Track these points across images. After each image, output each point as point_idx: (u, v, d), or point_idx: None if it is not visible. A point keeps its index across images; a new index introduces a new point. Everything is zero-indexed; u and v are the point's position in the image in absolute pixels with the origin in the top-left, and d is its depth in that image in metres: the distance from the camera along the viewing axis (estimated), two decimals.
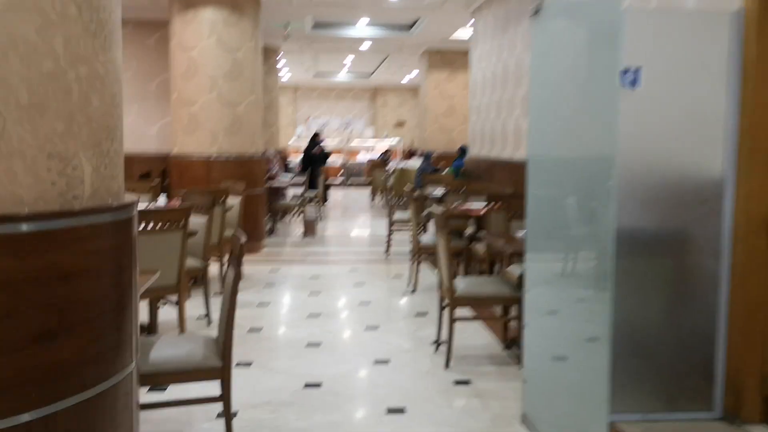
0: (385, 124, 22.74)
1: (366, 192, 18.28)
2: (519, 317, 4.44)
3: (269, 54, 13.52)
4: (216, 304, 5.69)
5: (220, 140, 8.49)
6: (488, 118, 8.78)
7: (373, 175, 15.71)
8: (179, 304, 4.69)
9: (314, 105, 22.92)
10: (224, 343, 3.09)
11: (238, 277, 3.10)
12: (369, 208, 14.94)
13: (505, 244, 4.67)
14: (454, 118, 14.07)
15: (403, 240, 9.29)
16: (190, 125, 8.50)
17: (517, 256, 4.72)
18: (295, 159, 21.16)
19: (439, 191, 8.76)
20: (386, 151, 19.78)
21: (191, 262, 5.27)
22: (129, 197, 2.14)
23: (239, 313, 5.94)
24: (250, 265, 7.81)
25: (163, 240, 4.52)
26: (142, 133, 10.60)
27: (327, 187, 14.57)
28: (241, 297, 6.44)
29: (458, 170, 10.54)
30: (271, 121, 13.64)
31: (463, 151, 12.50)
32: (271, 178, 11.47)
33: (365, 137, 22.90)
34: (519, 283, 4.93)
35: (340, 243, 9.96)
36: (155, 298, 4.80)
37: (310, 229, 10.66)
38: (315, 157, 14.13)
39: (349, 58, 17.40)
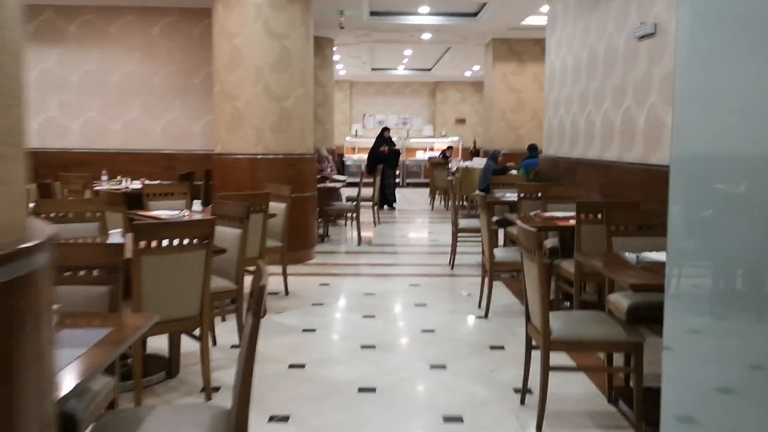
0: (444, 122, 21.68)
1: (425, 192, 17.27)
2: (637, 367, 3.38)
3: (323, 45, 12.66)
4: None
5: (266, 138, 7.64)
6: (569, 113, 7.66)
7: (433, 174, 14.70)
8: (201, 339, 3.80)
9: (371, 101, 22.03)
10: (237, 426, 2.16)
11: (256, 330, 2.17)
12: (429, 211, 13.93)
13: (611, 269, 3.60)
14: (522, 113, 12.93)
15: (468, 250, 8.27)
16: (234, 121, 7.68)
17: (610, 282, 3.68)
18: (352, 158, 20.33)
19: (510, 195, 7.70)
20: (447, 149, 18.72)
21: (221, 283, 4.39)
22: (37, 231, 1.22)
23: (280, 343, 5.04)
24: (297, 278, 6.93)
25: (182, 261, 3.64)
26: (186, 130, 9.87)
27: (387, 188, 13.52)
28: (284, 320, 5.57)
29: (530, 171, 9.44)
30: (324, 117, 12.79)
31: (533, 149, 11.37)
32: (324, 178, 10.61)
33: (424, 135, 21.89)
34: (629, 319, 3.86)
35: (398, 252, 9.00)
36: (175, 332, 3.95)
37: (365, 235, 9.74)
38: (383, 157, 13.20)
39: (408, 51, 16.42)
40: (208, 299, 3.79)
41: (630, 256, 3.76)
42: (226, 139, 7.78)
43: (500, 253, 5.67)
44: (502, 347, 4.78)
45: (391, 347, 4.81)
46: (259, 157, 7.64)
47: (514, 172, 11.85)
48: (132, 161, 9.84)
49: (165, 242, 3.56)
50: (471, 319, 5.56)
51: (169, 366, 4.16)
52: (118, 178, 8.92)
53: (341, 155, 20.16)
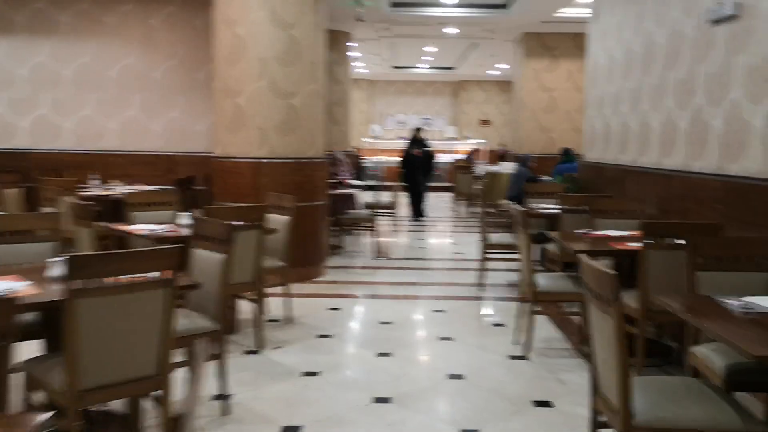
0: (468, 123, 20.71)
1: (446, 197, 16.33)
2: None
3: (339, 40, 11.79)
4: (241, 370, 3.77)
5: (272, 139, 6.76)
6: (616, 112, 6.69)
7: (456, 179, 13.74)
8: (161, 404, 2.90)
9: (391, 101, 21.13)
10: None
11: None
12: (452, 218, 12.98)
13: (712, 324, 2.64)
14: (555, 114, 11.94)
15: (498, 266, 7.31)
16: (235, 120, 6.81)
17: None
18: (372, 159, 19.40)
19: (548, 206, 6.75)
20: (473, 152, 17.74)
21: (199, 323, 3.50)
22: None
23: (273, 393, 3.96)
24: (303, 301, 6.05)
25: (136, 303, 2.75)
26: (189, 130, 9.03)
27: (417, 196, 12.25)
28: (282, 357, 4.65)
29: (567, 178, 8.46)
30: (340, 117, 11.92)
31: (567, 153, 10.41)
32: (339, 183, 9.74)
33: (446, 136, 20.93)
34: (728, 386, 2.91)
35: (419, 267, 8.07)
36: (125, 397, 3.08)
37: (383, 248, 8.85)
38: (415, 161, 11.76)
39: (431, 48, 15.49)
40: (169, 352, 2.89)
41: (732, 303, 2.80)
42: (227, 140, 6.91)
43: (544, 280, 4.71)
44: (549, 404, 3.84)
45: (410, 401, 3.88)
46: (264, 160, 6.76)
47: (545, 178, 10.90)
48: (129, 163, 9.04)
49: (111, 278, 2.67)
50: (507, 361, 4.61)
51: (128, 429, 3.28)
52: (111, 182, 8.12)
53: (359, 157, 19.26)
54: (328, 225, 7.75)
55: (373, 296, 6.49)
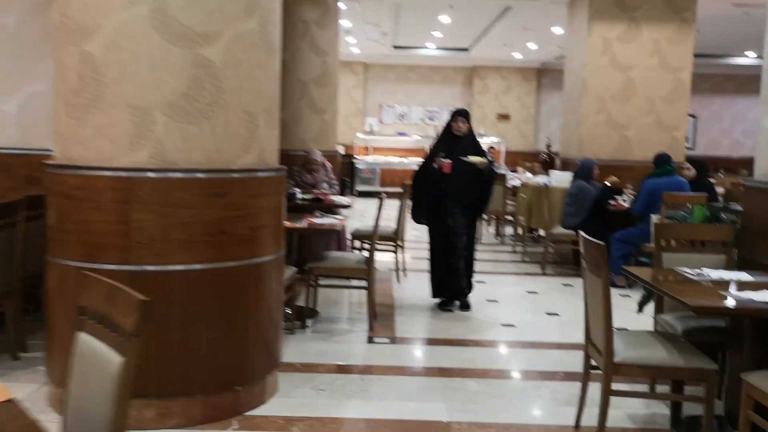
0: (483, 117, 17.12)
1: None
2: None
3: None
4: None
5: (160, 130, 3.23)
6: None
7: None
8: None
9: (390, 89, 17.50)
10: None
11: None
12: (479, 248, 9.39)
13: None
14: (632, 103, 8.38)
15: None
16: (84, 90, 3.26)
17: None
18: (365, 160, 15.83)
19: (732, 279, 3.22)
20: (489, 150, 14.16)
21: None
22: None
23: None
24: None
25: None
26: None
27: (453, 256, 5.80)
28: None
29: (714, 209, 4.89)
30: (323, 102, 8.27)
31: (664, 162, 6.95)
32: (317, 201, 6.29)
33: None
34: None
35: (446, 368, 4.49)
36: None
37: (381, 316, 5.31)
38: (443, 179, 5.61)
39: (446, 19, 11.91)
40: None
41: None
42: (70, 131, 3.35)
43: None
44: None
45: None
46: (147, 175, 3.22)
47: (624, 199, 7.41)
48: None
49: None
50: None
51: None
52: None
53: (350, 156, 15.70)
54: (285, 297, 4.21)
55: None
